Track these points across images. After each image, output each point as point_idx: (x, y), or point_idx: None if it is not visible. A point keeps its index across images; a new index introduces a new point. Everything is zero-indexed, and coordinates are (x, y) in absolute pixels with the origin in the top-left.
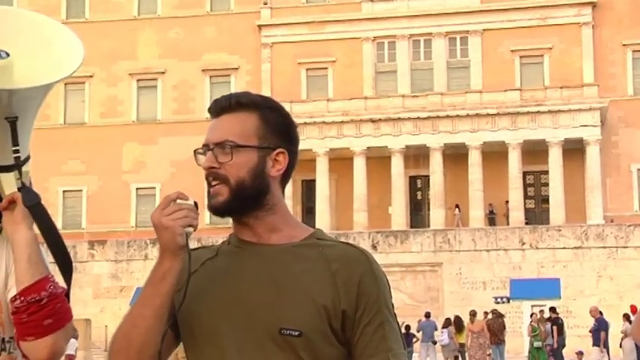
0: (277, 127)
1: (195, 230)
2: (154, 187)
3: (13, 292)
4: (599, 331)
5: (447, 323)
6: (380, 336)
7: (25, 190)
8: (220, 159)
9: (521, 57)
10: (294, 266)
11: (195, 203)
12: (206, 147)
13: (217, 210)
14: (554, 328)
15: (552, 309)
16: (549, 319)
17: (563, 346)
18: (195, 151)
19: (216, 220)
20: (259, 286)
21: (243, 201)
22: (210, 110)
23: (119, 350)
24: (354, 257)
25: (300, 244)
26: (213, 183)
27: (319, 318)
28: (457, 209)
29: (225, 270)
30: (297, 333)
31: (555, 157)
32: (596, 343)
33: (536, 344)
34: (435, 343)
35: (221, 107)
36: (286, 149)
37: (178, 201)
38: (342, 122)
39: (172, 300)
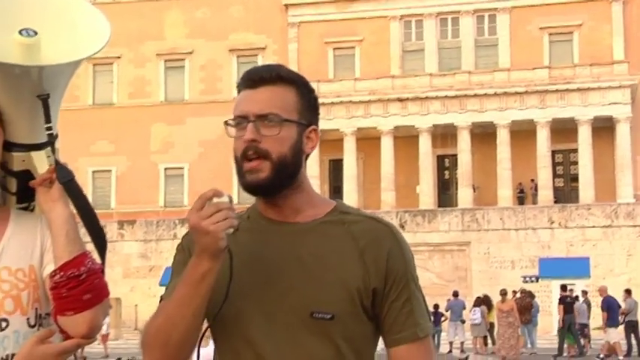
0: (310, 103)
1: (235, 229)
2: (182, 167)
3: (49, 268)
4: (608, 310)
5: (478, 302)
6: (407, 311)
7: (59, 167)
8: (263, 132)
9: (550, 34)
10: (322, 246)
11: (230, 198)
12: (243, 118)
13: (257, 187)
14: (562, 307)
15: (563, 287)
16: (566, 297)
17: (574, 324)
18: (226, 122)
19: (244, 200)
20: (287, 268)
21: (283, 179)
22: (245, 79)
23: (156, 346)
24: (381, 232)
25: (324, 220)
26: (252, 157)
27: (351, 300)
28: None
29: (249, 249)
30: (329, 316)
31: (585, 135)
32: (610, 324)
33: None
34: (463, 322)
35: (261, 78)
36: (317, 126)
37: (215, 199)
38: (369, 101)
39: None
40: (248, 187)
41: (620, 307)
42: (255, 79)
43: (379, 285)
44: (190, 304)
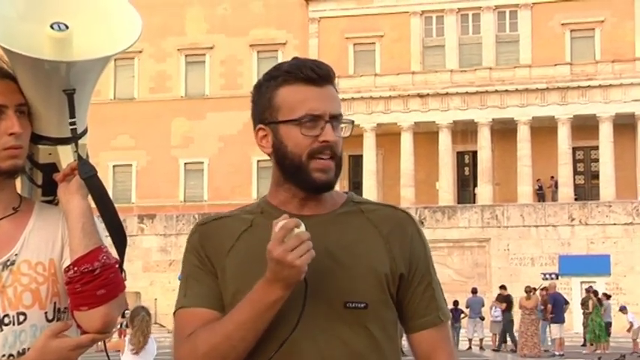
0: None
1: None
2: (202, 162)
3: (67, 262)
4: (554, 306)
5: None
6: (429, 295)
7: (82, 162)
8: (336, 133)
9: (571, 30)
10: (346, 237)
11: (305, 226)
12: (318, 117)
13: (328, 186)
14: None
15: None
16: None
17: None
18: (299, 119)
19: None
20: (316, 260)
21: (338, 176)
22: (305, 72)
23: None
24: (402, 219)
25: (342, 211)
26: (325, 158)
27: (381, 287)
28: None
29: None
30: (363, 305)
31: (606, 132)
32: (555, 320)
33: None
34: (482, 319)
35: (327, 75)
36: None
37: (295, 230)
38: (389, 97)
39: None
40: (318, 186)
41: (567, 303)
42: (322, 75)
43: (405, 271)
44: (254, 329)
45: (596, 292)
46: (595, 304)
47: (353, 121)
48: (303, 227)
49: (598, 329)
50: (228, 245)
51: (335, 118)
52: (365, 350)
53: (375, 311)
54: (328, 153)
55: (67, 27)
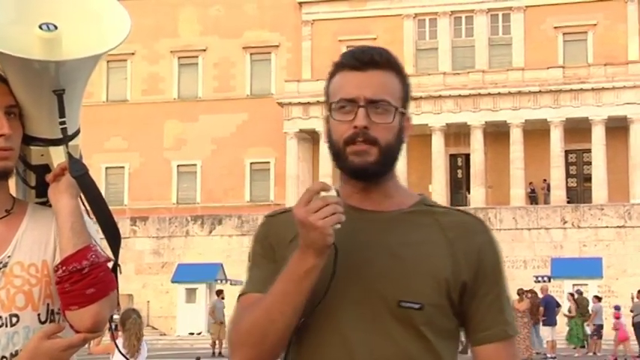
0: (407, 91)
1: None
2: (194, 164)
3: (57, 262)
4: (545, 309)
5: None
6: (497, 308)
7: (72, 160)
8: (374, 118)
9: (564, 34)
10: (411, 235)
11: (338, 192)
12: (351, 102)
13: (364, 170)
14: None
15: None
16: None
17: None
18: (331, 104)
19: (256, 198)
20: (376, 256)
21: (387, 166)
22: (350, 59)
23: (249, 343)
24: (472, 226)
25: (412, 210)
26: (360, 143)
27: (439, 291)
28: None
29: (335, 238)
30: (417, 306)
31: (598, 135)
32: (547, 322)
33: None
34: None
35: (371, 60)
36: (409, 115)
37: (322, 194)
38: None
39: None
40: (354, 169)
41: (559, 306)
42: (364, 60)
43: (469, 279)
44: (291, 301)
45: (573, 295)
46: (576, 307)
47: (396, 108)
48: (333, 192)
49: (580, 334)
50: (291, 235)
51: (374, 103)
52: (417, 353)
53: (430, 315)
54: (361, 140)
55: (55, 27)
